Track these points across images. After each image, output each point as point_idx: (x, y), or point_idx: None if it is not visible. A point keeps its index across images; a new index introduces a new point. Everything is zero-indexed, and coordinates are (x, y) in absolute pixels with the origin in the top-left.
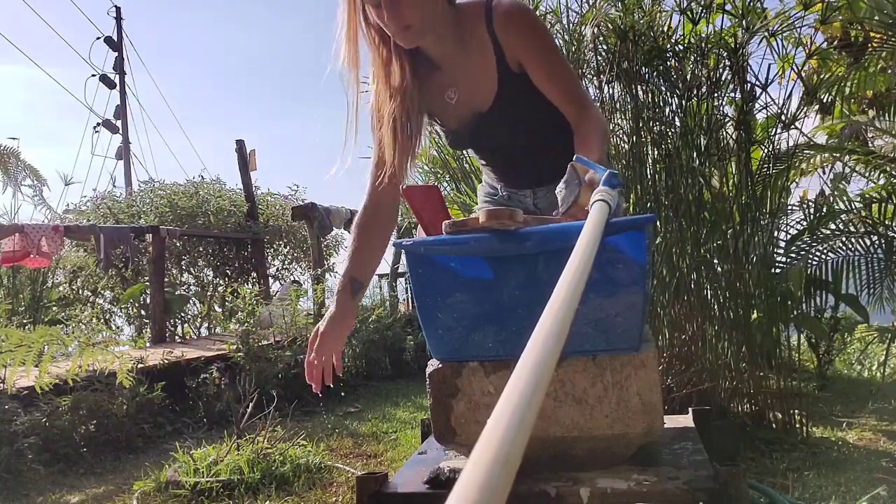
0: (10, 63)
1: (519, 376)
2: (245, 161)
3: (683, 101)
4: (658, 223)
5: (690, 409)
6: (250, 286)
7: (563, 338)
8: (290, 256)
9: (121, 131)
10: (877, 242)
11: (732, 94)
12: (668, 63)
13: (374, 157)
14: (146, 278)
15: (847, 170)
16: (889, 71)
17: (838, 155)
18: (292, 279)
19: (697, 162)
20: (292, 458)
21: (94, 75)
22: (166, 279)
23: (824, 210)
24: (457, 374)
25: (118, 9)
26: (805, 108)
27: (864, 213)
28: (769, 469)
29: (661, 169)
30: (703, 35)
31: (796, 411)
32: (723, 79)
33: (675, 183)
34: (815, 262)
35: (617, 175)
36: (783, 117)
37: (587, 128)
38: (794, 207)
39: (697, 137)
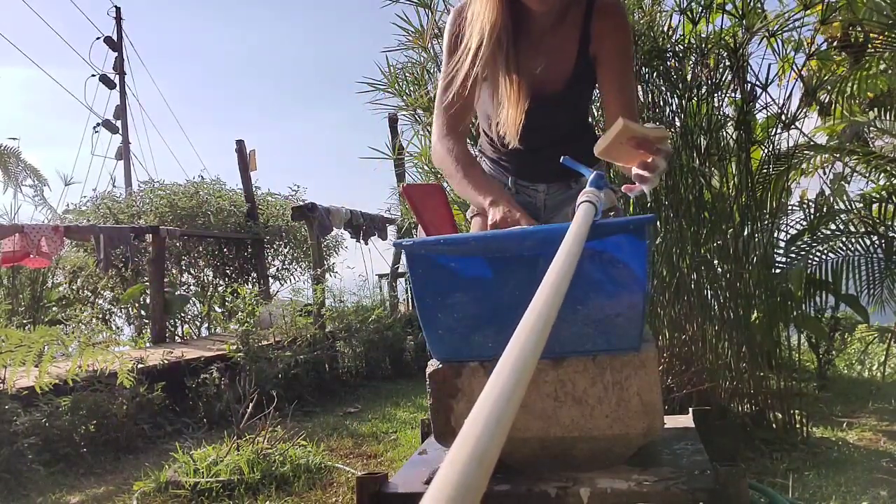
0: (9, 64)
1: (499, 375)
2: (245, 161)
3: (683, 102)
4: (658, 223)
5: (690, 410)
6: (250, 286)
7: (544, 338)
8: (290, 257)
9: (121, 131)
10: (877, 242)
11: (733, 95)
12: (668, 63)
13: (446, 97)
14: (146, 278)
15: (847, 170)
16: (890, 72)
17: (839, 155)
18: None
19: (697, 162)
20: (292, 459)
21: (93, 75)
22: (166, 279)
23: (824, 210)
24: (457, 375)
25: (118, 9)
26: (805, 109)
27: (864, 214)
28: (769, 469)
29: None
30: (703, 35)
31: (796, 411)
32: (723, 79)
33: (676, 183)
34: (815, 263)
35: (604, 177)
36: (783, 117)
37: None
38: (794, 207)
39: (697, 138)
